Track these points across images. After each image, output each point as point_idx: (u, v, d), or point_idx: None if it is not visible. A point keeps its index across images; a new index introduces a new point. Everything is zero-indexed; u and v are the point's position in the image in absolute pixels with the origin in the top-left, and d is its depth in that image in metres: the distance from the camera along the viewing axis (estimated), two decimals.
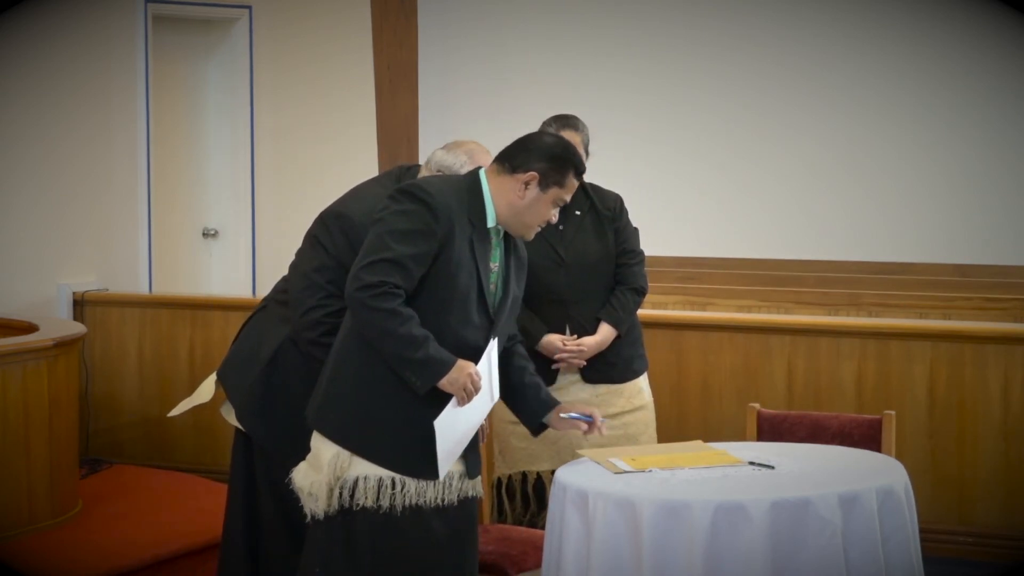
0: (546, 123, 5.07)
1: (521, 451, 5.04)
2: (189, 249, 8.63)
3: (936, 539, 5.91)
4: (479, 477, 4.06)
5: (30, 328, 6.31)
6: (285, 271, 4.61)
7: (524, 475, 5.07)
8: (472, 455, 4.03)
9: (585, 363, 5.00)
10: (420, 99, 8.84)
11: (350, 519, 3.89)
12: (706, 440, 4.53)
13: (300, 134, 8.84)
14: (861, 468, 4.09)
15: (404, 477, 3.87)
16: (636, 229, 5.14)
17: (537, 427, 4.21)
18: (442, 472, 3.89)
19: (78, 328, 6.42)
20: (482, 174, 3.99)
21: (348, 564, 3.90)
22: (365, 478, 3.87)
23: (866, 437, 4.72)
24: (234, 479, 4.66)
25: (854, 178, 8.38)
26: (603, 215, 5.06)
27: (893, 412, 4.78)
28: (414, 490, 3.88)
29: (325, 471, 3.88)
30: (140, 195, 7.95)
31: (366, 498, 3.86)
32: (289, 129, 8.78)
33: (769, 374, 6.33)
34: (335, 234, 4.38)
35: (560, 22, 8.95)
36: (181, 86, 8.53)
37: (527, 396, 4.15)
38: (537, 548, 4.43)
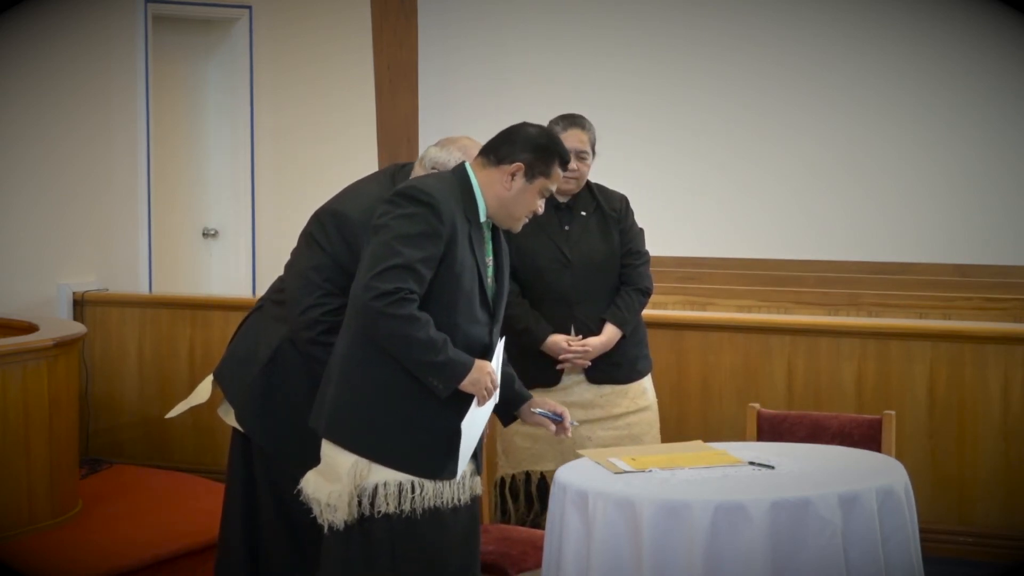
0: (553, 122, 5.08)
1: (525, 451, 5.04)
2: (189, 249, 8.63)
3: (936, 539, 5.91)
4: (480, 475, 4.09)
5: (30, 328, 6.31)
6: (284, 271, 4.61)
7: (527, 475, 5.07)
8: (480, 459, 4.07)
9: (590, 363, 5.00)
10: (420, 99, 8.84)
11: (369, 526, 3.88)
12: (706, 440, 4.53)
13: (300, 134, 8.84)
14: (861, 468, 4.09)
15: (423, 480, 3.87)
16: (641, 230, 5.14)
17: (508, 419, 4.23)
18: (460, 471, 3.90)
19: (78, 328, 6.42)
20: (468, 168, 4.00)
21: (368, 570, 3.90)
22: (385, 484, 3.86)
23: (866, 437, 4.72)
24: (232, 480, 4.64)
25: (854, 178, 8.39)
26: (609, 216, 5.06)
27: (893, 412, 4.78)
28: (432, 492, 3.88)
29: (344, 481, 3.86)
30: (140, 195, 7.95)
31: (387, 504, 3.86)
32: (289, 129, 8.78)
33: (769, 374, 6.33)
34: (331, 232, 4.38)
35: (560, 22, 8.95)
36: (181, 86, 8.53)
37: (502, 385, 4.14)
38: (537, 548, 4.43)
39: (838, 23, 8.39)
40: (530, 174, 3.95)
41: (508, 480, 5.13)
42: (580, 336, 5.00)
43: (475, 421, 3.93)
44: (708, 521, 3.67)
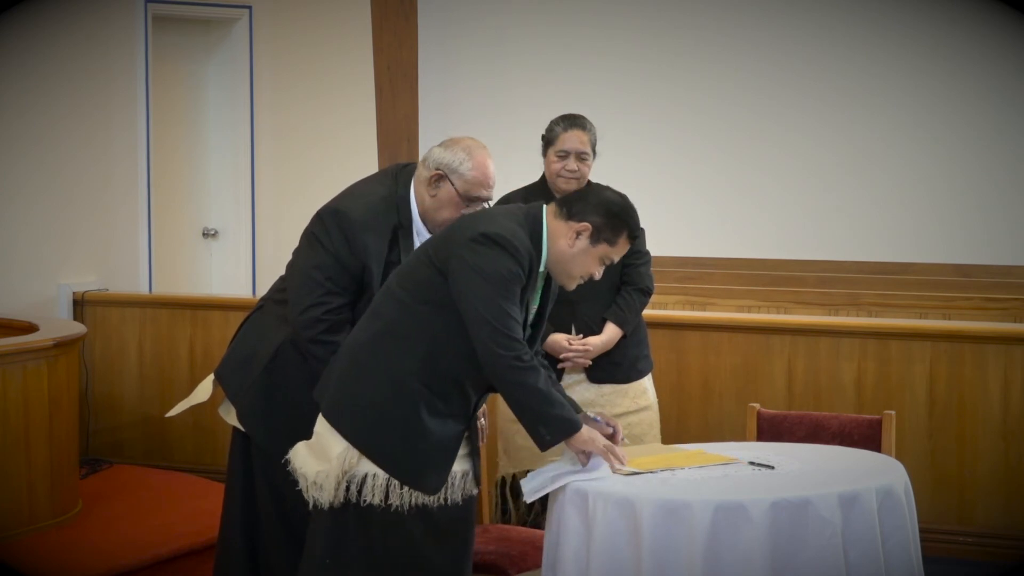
0: (554, 122, 5.08)
1: (526, 450, 5.04)
2: (189, 249, 8.63)
3: (936, 539, 5.91)
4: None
5: (30, 328, 6.31)
6: (285, 271, 4.61)
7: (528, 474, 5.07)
8: (478, 458, 4.08)
9: (590, 363, 5.00)
10: (420, 99, 8.84)
11: (358, 513, 3.91)
12: (706, 440, 4.53)
13: (300, 134, 8.84)
14: (861, 468, 4.09)
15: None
16: (643, 230, 5.14)
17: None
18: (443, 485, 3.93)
19: (78, 328, 6.42)
20: (544, 212, 3.97)
21: (356, 557, 3.92)
22: (374, 475, 3.89)
23: (866, 437, 4.72)
24: (232, 479, 4.64)
25: (854, 178, 8.38)
26: None
27: (893, 412, 4.78)
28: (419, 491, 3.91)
29: (334, 463, 3.89)
30: (140, 195, 7.95)
31: (373, 495, 3.88)
32: (289, 129, 8.78)
33: (769, 374, 6.33)
34: (333, 232, 4.37)
35: (560, 22, 8.95)
36: (181, 86, 8.53)
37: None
38: (537, 548, 4.43)
39: (839, 24, 8.39)
40: (595, 238, 3.93)
41: (508, 480, 5.13)
42: (581, 335, 5.00)
43: (561, 472, 3.98)
44: (708, 521, 3.67)
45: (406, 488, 3.88)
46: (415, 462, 3.89)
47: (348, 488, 3.90)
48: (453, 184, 4.31)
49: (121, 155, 7.88)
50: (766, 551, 3.66)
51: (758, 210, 8.55)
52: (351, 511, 3.91)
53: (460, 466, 3.98)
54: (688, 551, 3.68)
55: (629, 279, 5.06)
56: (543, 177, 5.15)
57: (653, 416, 5.14)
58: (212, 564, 4.79)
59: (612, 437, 4.06)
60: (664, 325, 6.42)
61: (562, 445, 4.82)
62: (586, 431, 3.93)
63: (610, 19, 8.83)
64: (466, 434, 4.01)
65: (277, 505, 4.50)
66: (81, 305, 7.55)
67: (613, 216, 3.94)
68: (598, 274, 4.01)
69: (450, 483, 3.93)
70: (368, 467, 3.90)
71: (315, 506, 3.95)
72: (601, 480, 3.89)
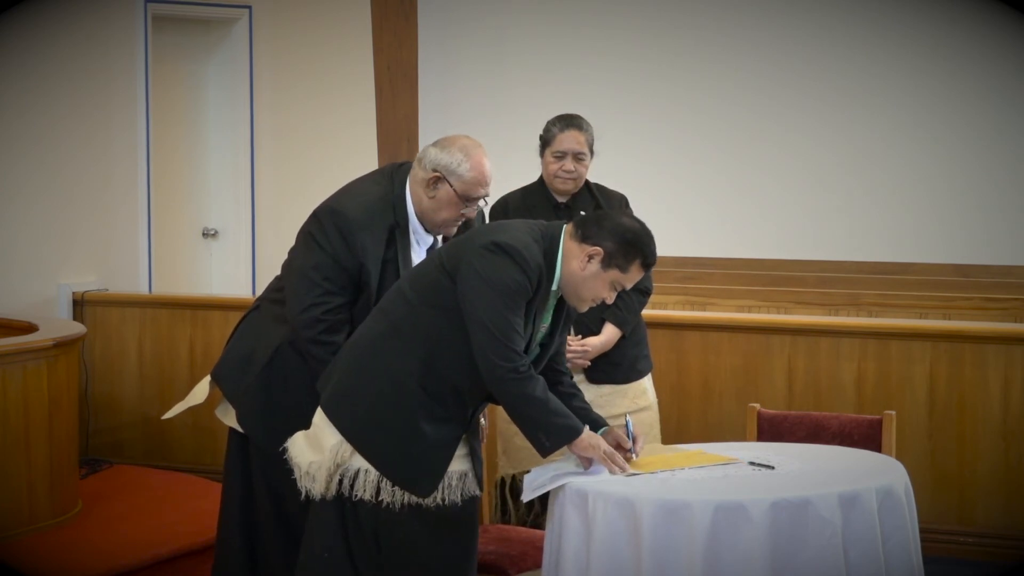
0: (551, 122, 5.07)
1: (525, 451, 5.02)
2: (189, 249, 8.63)
3: (936, 539, 5.91)
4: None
5: (30, 328, 6.31)
6: (281, 270, 4.60)
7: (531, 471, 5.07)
8: (479, 460, 4.08)
9: (589, 363, 4.99)
10: (420, 99, 8.84)
11: (352, 508, 3.92)
12: (706, 440, 4.53)
13: (300, 134, 8.84)
14: (861, 468, 4.09)
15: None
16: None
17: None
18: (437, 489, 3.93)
19: (78, 328, 6.42)
20: (563, 232, 3.95)
21: (354, 551, 3.93)
22: (367, 471, 3.91)
23: (866, 437, 4.72)
24: (229, 480, 4.63)
25: (854, 178, 8.38)
26: None
27: (893, 412, 4.78)
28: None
29: (327, 456, 3.92)
30: (140, 195, 7.95)
31: (365, 491, 3.90)
32: (289, 129, 8.78)
33: (769, 374, 6.33)
34: (330, 231, 4.36)
35: (560, 22, 8.95)
36: (181, 86, 8.53)
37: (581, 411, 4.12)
38: (537, 548, 4.43)
39: (839, 24, 8.38)
40: (607, 263, 3.91)
41: (508, 480, 5.12)
42: (580, 336, 4.99)
43: (561, 472, 3.98)
44: (708, 521, 3.67)
45: (397, 487, 3.89)
46: (406, 464, 3.90)
47: (341, 482, 3.91)
48: (452, 186, 4.31)
49: (121, 155, 7.88)
50: (766, 551, 3.66)
51: (758, 210, 8.55)
52: (347, 505, 3.92)
53: (458, 467, 3.98)
54: (688, 551, 3.68)
55: None
56: (541, 178, 5.15)
57: (653, 416, 5.14)
58: (212, 564, 4.78)
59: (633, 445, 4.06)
60: (664, 325, 6.42)
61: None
62: (587, 436, 3.92)
63: (610, 19, 8.83)
64: (465, 435, 4.01)
65: (276, 505, 4.50)
66: (81, 305, 7.55)
67: (626, 243, 3.91)
68: (610, 299, 3.99)
69: (447, 483, 3.93)
70: (360, 462, 3.91)
71: (311, 498, 3.96)
72: (601, 480, 3.89)
